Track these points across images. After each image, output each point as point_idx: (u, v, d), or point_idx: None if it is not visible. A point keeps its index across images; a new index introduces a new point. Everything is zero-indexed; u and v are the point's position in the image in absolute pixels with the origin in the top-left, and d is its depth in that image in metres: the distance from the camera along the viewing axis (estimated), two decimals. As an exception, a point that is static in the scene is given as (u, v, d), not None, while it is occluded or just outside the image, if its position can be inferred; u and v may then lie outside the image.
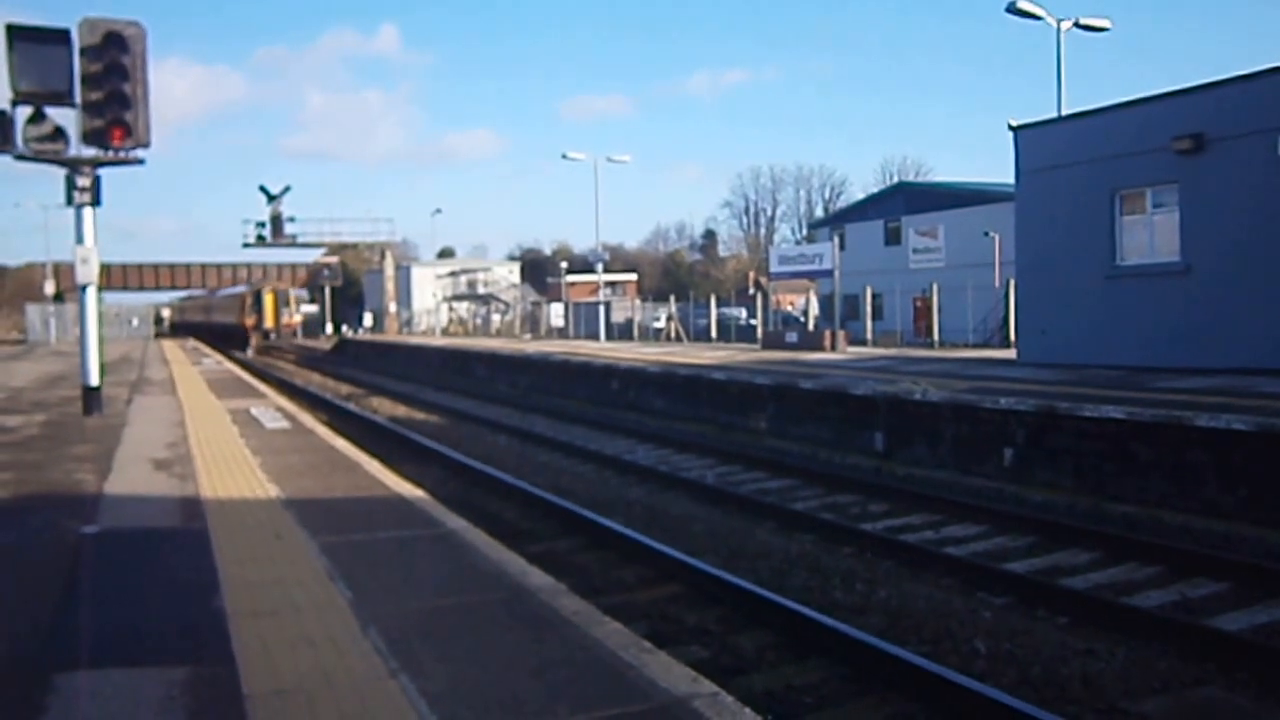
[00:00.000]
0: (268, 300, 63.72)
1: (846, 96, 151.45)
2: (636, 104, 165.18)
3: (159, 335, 74.71)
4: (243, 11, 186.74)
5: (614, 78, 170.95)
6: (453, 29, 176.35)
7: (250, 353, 58.46)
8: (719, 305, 49.48)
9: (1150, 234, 19.65)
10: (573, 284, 76.37)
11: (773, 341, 34.05)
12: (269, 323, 63.37)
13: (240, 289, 70.63)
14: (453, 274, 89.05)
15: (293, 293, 67.88)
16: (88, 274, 14.11)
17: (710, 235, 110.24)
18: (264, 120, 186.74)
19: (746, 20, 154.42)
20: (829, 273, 32.34)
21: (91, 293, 14.46)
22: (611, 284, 75.80)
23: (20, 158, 13.15)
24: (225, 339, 62.78)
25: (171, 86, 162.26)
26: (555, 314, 63.68)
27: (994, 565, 9.39)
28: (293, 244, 67.07)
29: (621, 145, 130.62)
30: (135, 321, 72.48)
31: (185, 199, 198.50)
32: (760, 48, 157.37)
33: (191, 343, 59.17)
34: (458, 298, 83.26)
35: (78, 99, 12.93)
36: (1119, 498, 11.86)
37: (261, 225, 64.02)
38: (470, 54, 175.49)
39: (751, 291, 56.06)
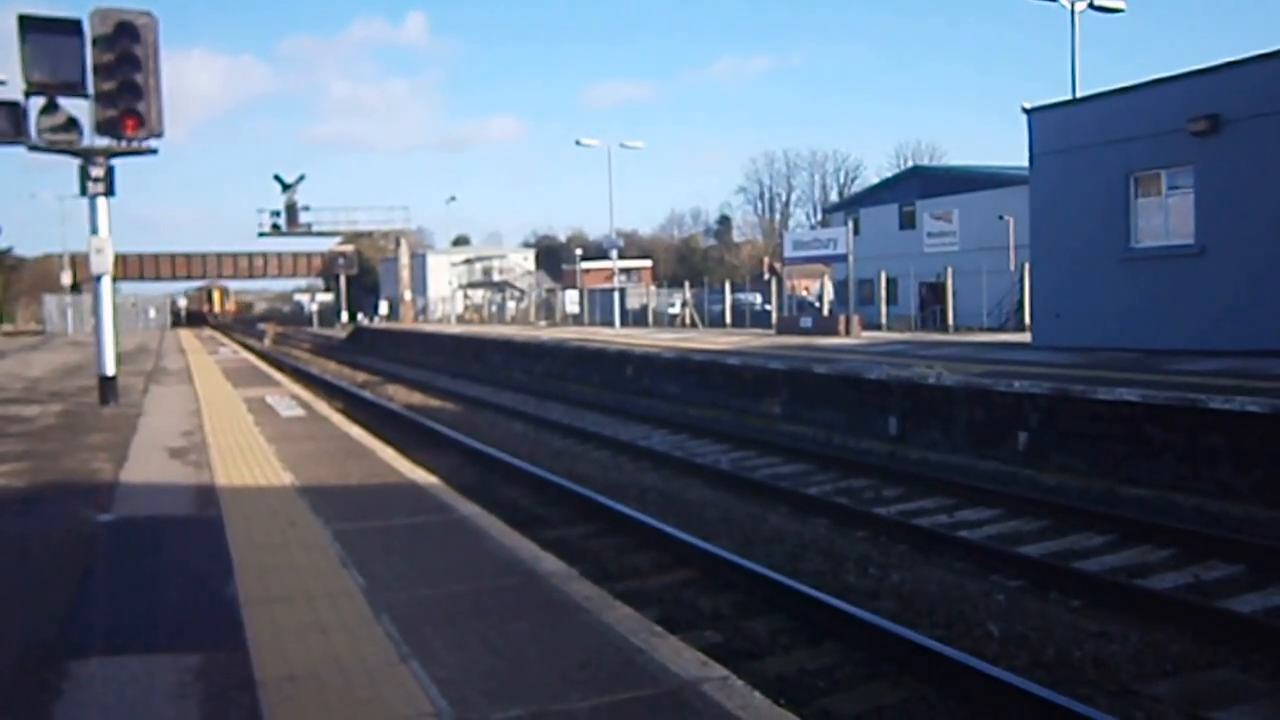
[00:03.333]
0: (216, 295, 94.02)
1: (861, 81, 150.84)
2: (659, 90, 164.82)
3: (175, 325, 75.19)
4: (272, 1, 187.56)
5: (638, 64, 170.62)
6: (480, 16, 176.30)
7: (267, 342, 58.88)
8: (734, 291, 49.36)
9: (1165, 216, 19.53)
10: (587, 270, 76.36)
11: (787, 326, 34.01)
12: (217, 310, 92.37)
13: (200, 284, 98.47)
14: (468, 261, 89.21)
15: (230, 288, 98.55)
16: (103, 264, 14.17)
17: (725, 221, 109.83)
18: (287, 110, 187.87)
19: (766, 7, 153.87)
20: (843, 257, 32.32)
21: (107, 283, 14.53)
22: (626, 270, 75.73)
23: (34, 148, 13.21)
24: (196, 320, 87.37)
25: (195, 78, 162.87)
26: (570, 300, 63.71)
27: (1008, 548, 9.38)
28: (308, 232, 67.50)
29: (641, 132, 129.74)
30: (152, 312, 72.92)
31: (206, 189, 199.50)
32: (775, 34, 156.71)
33: (207, 332, 59.58)
34: (473, 285, 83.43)
35: (90, 89, 12.97)
36: (1133, 480, 11.82)
37: (277, 214, 64.39)
38: (496, 41, 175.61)
39: (766, 277, 55.89)
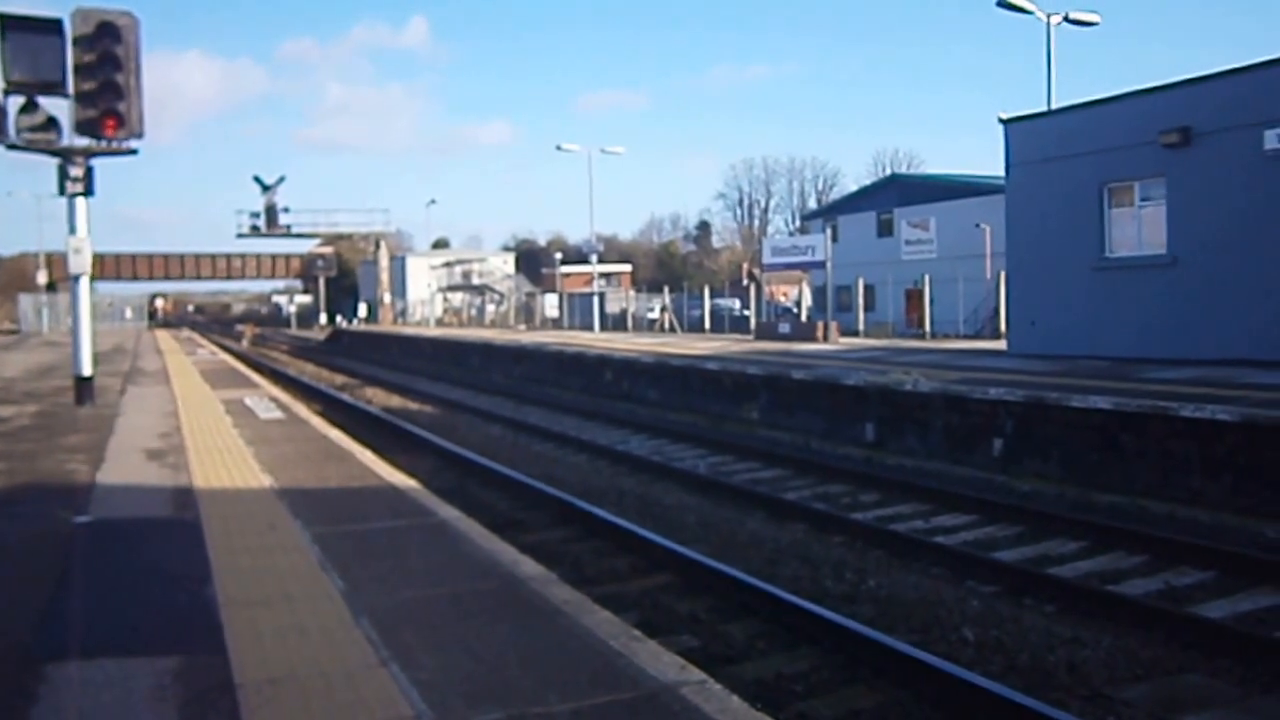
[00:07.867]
0: (159, 300, 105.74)
1: (840, 90, 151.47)
2: (651, 98, 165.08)
3: (153, 325, 74.73)
4: (272, 4, 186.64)
5: (635, 72, 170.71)
6: (481, 21, 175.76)
7: (245, 343, 58.62)
8: (713, 296, 49.52)
9: (1138, 226, 19.75)
10: (567, 275, 76.25)
11: (766, 332, 34.12)
12: (163, 310, 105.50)
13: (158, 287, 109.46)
14: (448, 264, 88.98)
15: (169, 290, 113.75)
16: (80, 264, 14.08)
17: (704, 226, 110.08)
18: (280, 112, 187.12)
19: (750, 16, 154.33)
20: (821, 264, 32.46)
21: (84, 283, 14.44)
22: (606, 275, 75.76)
23: (12, 147, 13.10)
24: (153, 318, 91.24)
25: (189, 80, 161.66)
26: (550, 305, 63.67)
27: (982, 554, 9.46)
28: (287, 234, 67.31)
29: (629, 138, 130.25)
30: (129, 312, 72.46)
31: (195, 190, 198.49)
32: (771, 42, 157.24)
33: (186, 333, 59.24)
34: (453, 288, 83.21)
35: (70, 89, 12.89)
36: (1106, 487, 11.94)
37: (256, 215, 64.16)
38: (495, 46, 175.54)
39: (745, 283, 55.92)
